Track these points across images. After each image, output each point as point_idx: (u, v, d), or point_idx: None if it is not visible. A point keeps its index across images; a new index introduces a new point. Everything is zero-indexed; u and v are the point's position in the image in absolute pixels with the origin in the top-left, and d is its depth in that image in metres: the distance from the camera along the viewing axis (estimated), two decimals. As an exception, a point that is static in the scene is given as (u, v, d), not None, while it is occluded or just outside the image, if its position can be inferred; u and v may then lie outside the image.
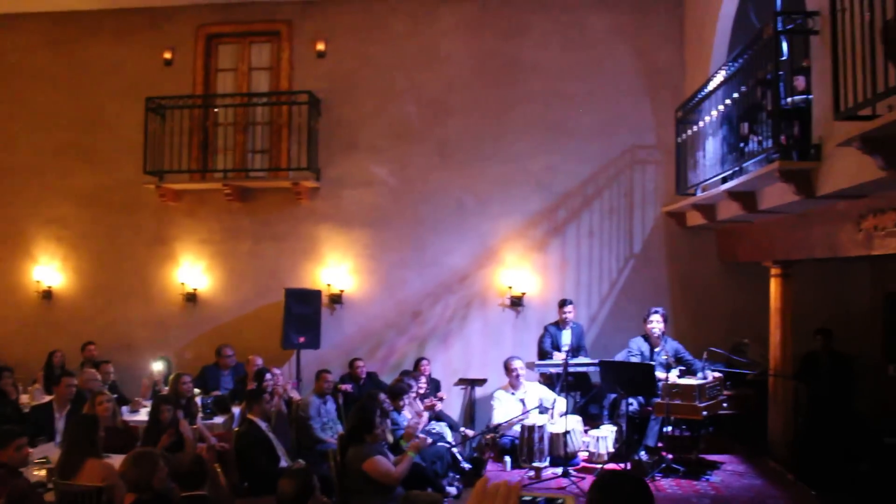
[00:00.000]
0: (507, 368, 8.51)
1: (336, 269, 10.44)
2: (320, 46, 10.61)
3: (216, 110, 10.69)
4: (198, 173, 10.57)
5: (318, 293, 10.06)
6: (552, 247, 10.29)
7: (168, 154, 10.27)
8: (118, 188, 10.76)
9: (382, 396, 7.59)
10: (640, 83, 10.26)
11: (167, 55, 10.84)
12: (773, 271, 8.16)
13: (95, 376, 8.37)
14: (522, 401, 8.30)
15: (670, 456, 7.59)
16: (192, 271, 10.64)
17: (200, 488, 4.52)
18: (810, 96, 6.35)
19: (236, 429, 7.53)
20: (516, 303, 10.18)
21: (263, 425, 6.89)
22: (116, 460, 5.95)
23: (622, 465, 7.58)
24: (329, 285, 10.37)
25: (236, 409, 8.38)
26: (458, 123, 10.45)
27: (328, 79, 10.57)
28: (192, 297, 10.60)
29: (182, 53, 10.84)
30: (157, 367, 9.26)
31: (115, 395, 8.11)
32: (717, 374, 7.81)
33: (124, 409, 8.34)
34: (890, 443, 7.83)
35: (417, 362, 9.72)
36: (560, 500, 2.93)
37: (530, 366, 8.84)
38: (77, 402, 7.55)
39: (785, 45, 6.19)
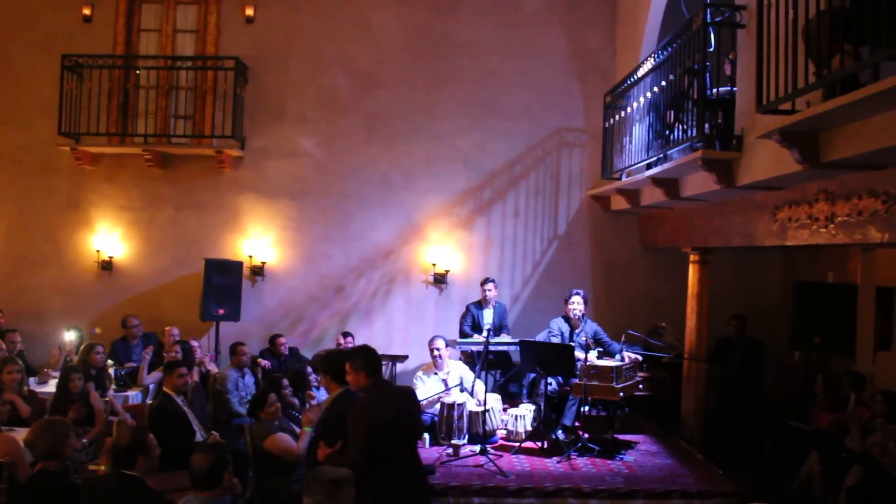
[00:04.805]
0: (430, 348, 8.49)
1: (258, 240, 10.24)
2: (249, 12, 10.31)
3: (138, 72, 10.30)
4: (117, 137, 10.16)
5: (239, 264, 9.86)
6: (477, 225, 10.33)
7: (85, 115, 9.80)
8: (30, 149, 10.26)
9: (285, 382, 7.44)
10: (570, 65, 10.33)
11: (86, 11, 10.32)
12: (692, 257, 8.35)
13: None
14: (445, 381, 8.32)
15: (586, 435, 7.73)
16: (108, 238, 10.27)
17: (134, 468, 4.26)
18: (734, 88, 6.49)
19: (150, 402, 7.36)
20: (440, 280, 10.20)
21: (178, 399, 6.73)
22: (20, 433, 5.75)
23: (539, 444, 7.71)
24: (251, 257, 10.18)
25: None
26: (387, 98, 10.33)
27: (256, 46, 10.29)
28: (107, 265, 10.25)
29: (102, 10, 10.34)
30: (69, 336, 8.95)
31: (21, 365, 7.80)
32: (633, 356, 7.98)
33: (31, 379, 8.05)
34: (793, 425, 8.15)
35: (343, 337, 9.63)
36: None
37: (452, 343, 8.85)
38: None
39: (713, 37, 6.30)
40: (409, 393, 5.10)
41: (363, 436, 4.40)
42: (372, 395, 4.62)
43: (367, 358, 4.69)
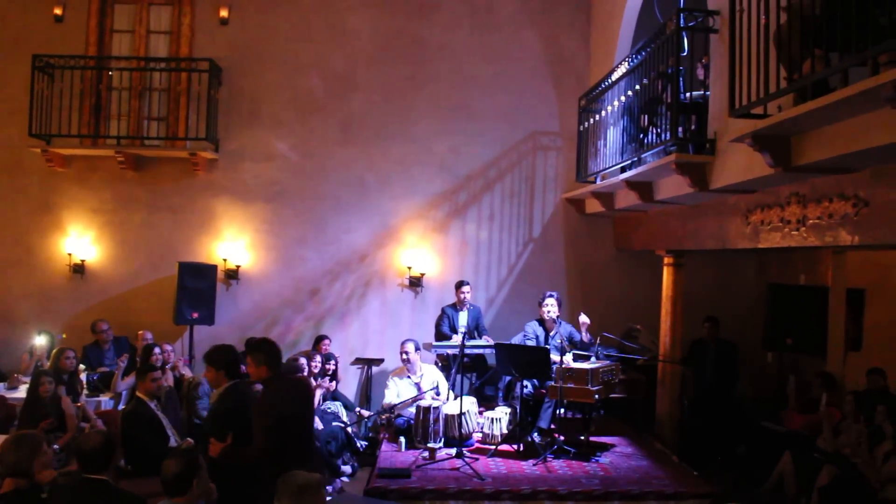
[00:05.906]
0: (400, 352, 8.46)
1: (233, 243, 10.17)
2: (223, 13, 10.23)
3: (111, 73, 10.19)
4: (89, 139, 10.03)
5: (213, 268, 9.79)
6: (453, 228, 10.34)
7: (57, 117, 9.69)
8: (-1, 150, 10.15)
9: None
10: (545, 69, 10.37)
11: (57, 11, 10.18)
12: (666, 260, 8.41)
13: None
14: (418, 385, 8.30)
15: (562, 437, 7.74)
16: (80, 242, 10.14)
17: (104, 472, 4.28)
18: (708, 92, 6.55)
19: (123, 407, 7.27)
20: (415, 283, 10.19)
21: (152, 404, 6.66)
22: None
23: (515, 447, 7.71)
24: (225, 260, 10.11)
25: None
26: (362, 100, 10.32)
27: (230, 47, 10.22)
28: (79, 269, 10.11)
29: (74, 10, 10.22)
30: (40, 341, 8.84)
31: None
32: (601, 361, 8.00)
33: (1, 385, 7.94)
34: (766, 426, 8.22)
35: (318, 340, 9.59)
36: None
37: (427, 347, 8.85)
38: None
39: (686, 41, 6.35)
40: (306, 385, 5.38)
41: (269, 427, 4.64)
42: (274, 386, 4.90)
43: (269, 352, 4.94)
